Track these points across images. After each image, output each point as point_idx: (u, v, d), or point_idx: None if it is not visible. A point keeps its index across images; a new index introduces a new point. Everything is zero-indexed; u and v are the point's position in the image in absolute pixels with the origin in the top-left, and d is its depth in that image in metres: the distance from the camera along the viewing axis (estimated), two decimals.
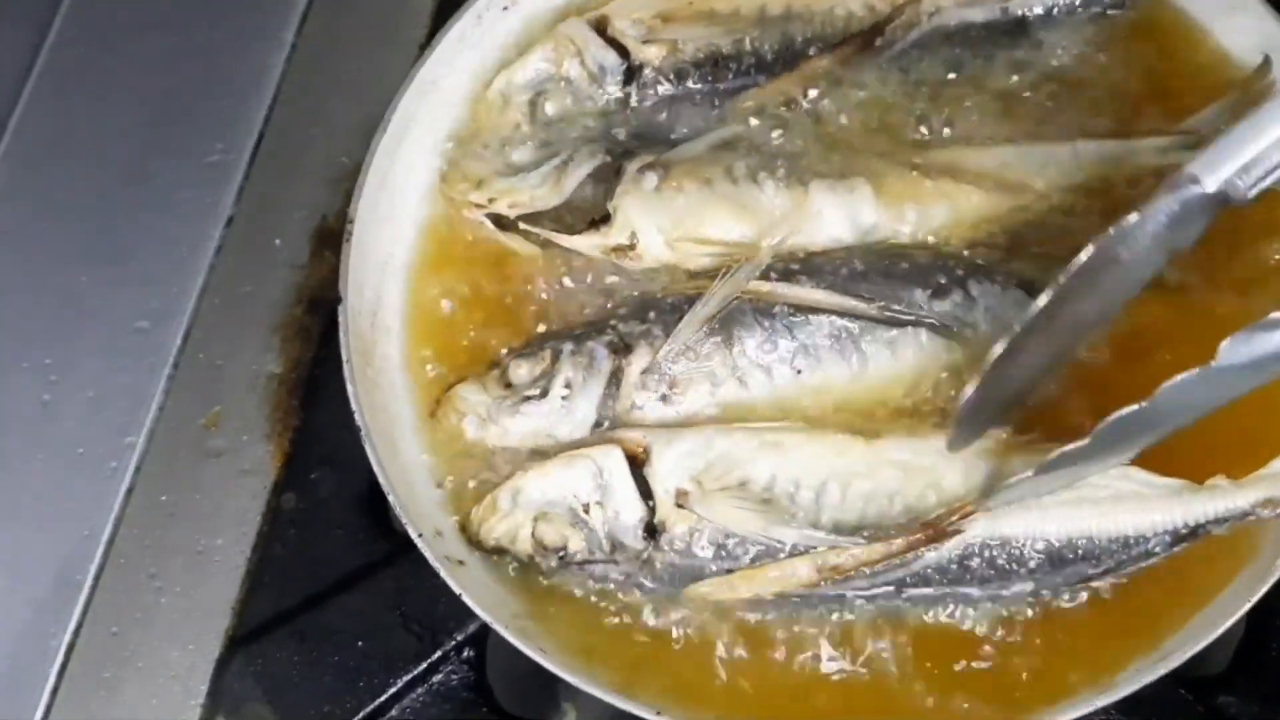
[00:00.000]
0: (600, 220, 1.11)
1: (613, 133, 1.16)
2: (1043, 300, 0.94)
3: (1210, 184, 0.92)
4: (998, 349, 0.95)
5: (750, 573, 1.00)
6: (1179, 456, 0.99)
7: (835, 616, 1.02)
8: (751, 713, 1.01)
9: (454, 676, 1.11)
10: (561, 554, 1.02)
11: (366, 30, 1.36)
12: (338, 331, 1.08)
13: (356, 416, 1.04)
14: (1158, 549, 1.00)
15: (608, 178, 1.12)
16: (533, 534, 1.02)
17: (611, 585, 1.03)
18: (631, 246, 1.10)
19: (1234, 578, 1.01)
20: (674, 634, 1.03)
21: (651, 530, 1.02)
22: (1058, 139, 1.13)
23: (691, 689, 1.01)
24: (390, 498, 1.02)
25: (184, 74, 1.34)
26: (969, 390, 0.97)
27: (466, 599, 0.99)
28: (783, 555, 1.00)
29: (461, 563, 1.03)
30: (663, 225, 1.10)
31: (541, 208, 1.12)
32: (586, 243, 1.11)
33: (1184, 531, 0.99)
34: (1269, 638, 1.08)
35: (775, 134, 1.15)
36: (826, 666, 1.02)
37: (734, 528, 1.00)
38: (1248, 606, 0.98)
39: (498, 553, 1.04)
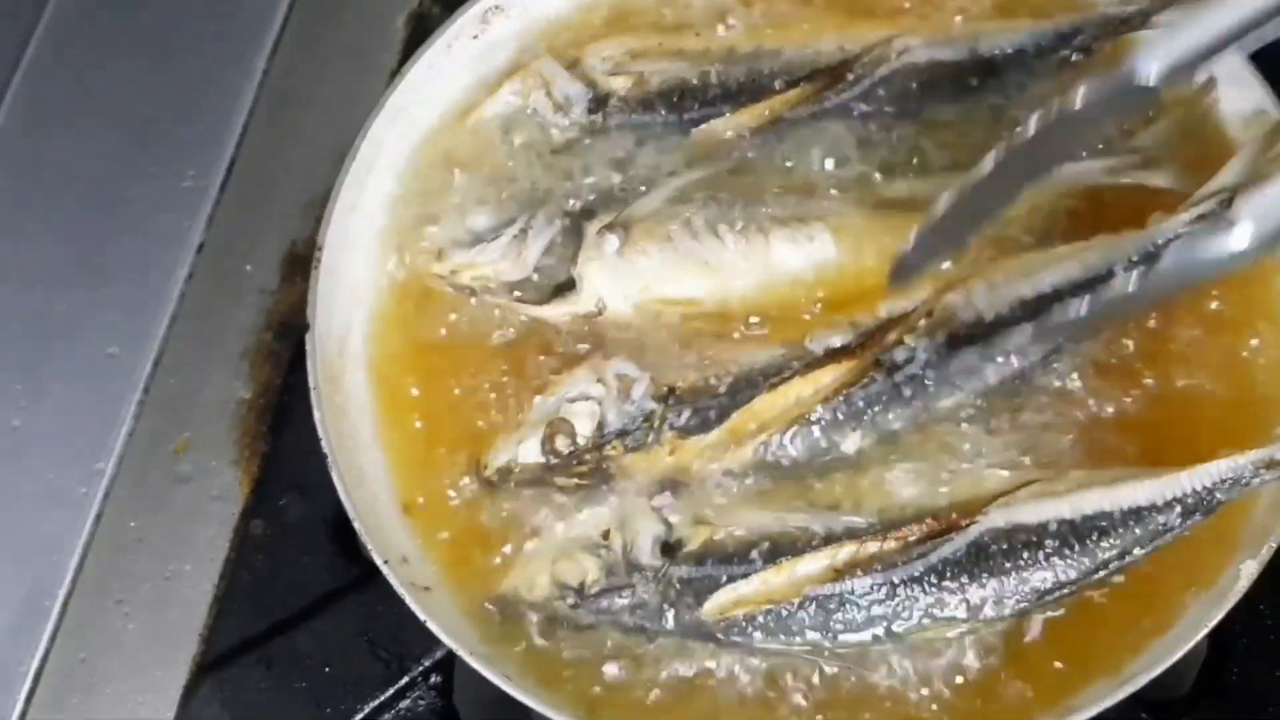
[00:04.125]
0: (565, 287, 1.11)
1: (569, 182, 1.16)
2: (989, 163, 0.97)
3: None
4: (944, 200, 0.98)
5: (767, 576, 1.00)
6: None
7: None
8: None
9: (421, 702, 1.12)
10: (579, 591, 1.02)
11: (338, 58, 1.37)
12: (306, 357, 1.09)
13: (323, 443, 1.05)
14: (1171, 523, 0.99)
15: (568, 241, 1.12)
16: (552, 575, 1.02)
17: (621, 631, 1.03)
18: (599, 312, 1.11)
19: (1194, 601, 1.01)
20: (643, 666, 1.03)
21: (668, 548, 1.02)
22: None
23: (655, 716, 1.01)
24: (356, 524, 1.02)
25: (156, 100, 1.35)
26: (914, 232, 1.00)
27: (431, 625, 0.99)
28: (799, 548, 1.00)
29: (427, 589, 1.03)
30: (629, 291, 1.11)
31: (505, 280, 1.12)
32: (554, 312, 1.12)
33: (1192, 499, 0.99)
34: (1231, 661, 1.09)
35: (732, 183, 1.14)
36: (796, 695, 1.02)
37: (751, 527, 1.01)
38: (1205, 631, 0.98)
39: (514, 605, 1.03)
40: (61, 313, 1.27)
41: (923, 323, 1.05)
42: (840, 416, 1.05)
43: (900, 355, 1.05)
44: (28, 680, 1.14)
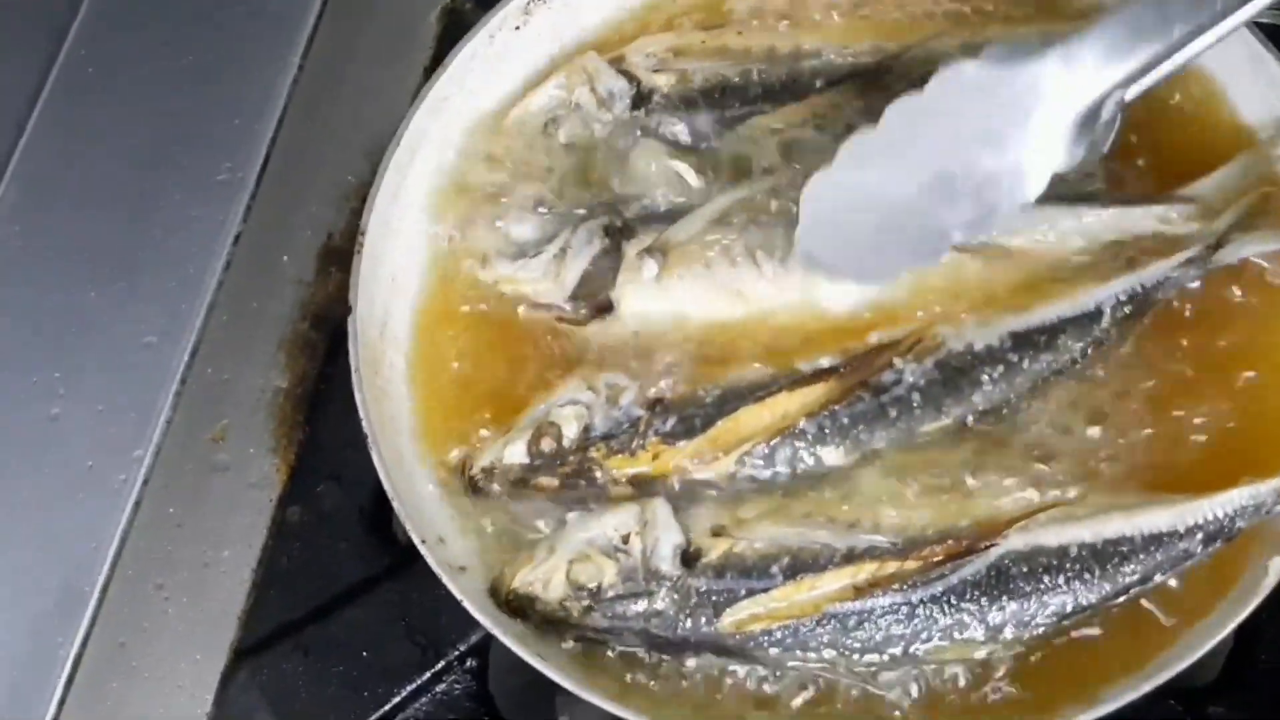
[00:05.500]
0: (604, 308, 1.13)
1: (609, 190, 1.17)
2: None
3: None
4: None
5: (786, 591, 1.01)
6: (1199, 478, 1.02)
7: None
8: None
9: (456, 686, 1.13)
10: (595, 594, 1.02)
11: (372, 52, 1.38)
12: (343, 347, 1.10)
13: (364, 424, 1.06)
14: (1193, 549, 1.00)
15: (608, 261, 1.13)
16: (567, 575, 1.03)
17: (634, 641, 1.03)
18: (635, 333, 1.12)
19: (1221, 596, 1.01)
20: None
21: (687, 558, 1.03)
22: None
23: (687, 699, 1.02)
24: (395, 504, 1.04)
25: (193, 95, 1.36)
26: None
27: (467, 604, 1.00)
28: (820, 564, 1.01)
29: (463, 569, 1.04)
30: (663, 315, 1.12)
31: (544, 301, 1.13)
32: (592, 332, 1.13)
33: (1213, 527, 1.00)
34: (1258, 649, 1.10)
35: (773, 204, 1.13)
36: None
37: (771, 542, 1.02)
38: (1232, 626, 0.99)
39: (526, 605, 1.04)
40: (99, 303, 1.28)
41: (913, 349, 1.07)
42: (824, 432, 1.06)
43: (888, 377, 1.06)
44: (67, 665, 1.15)
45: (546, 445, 1.06)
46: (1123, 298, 1.08)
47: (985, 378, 1.07)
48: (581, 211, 1.16)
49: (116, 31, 1.40)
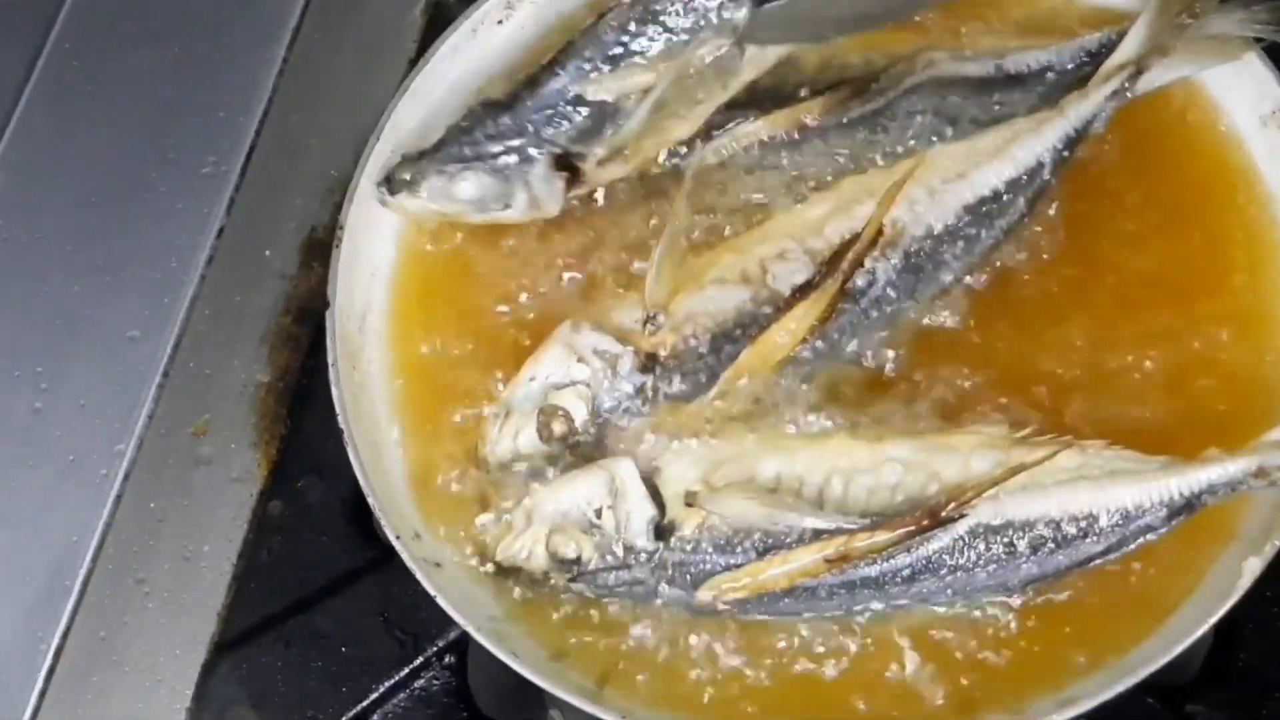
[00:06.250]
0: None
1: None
2: None
3: None
4: None
5: (759, 566, 1.01)
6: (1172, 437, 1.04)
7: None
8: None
9: (435, 682, 1.13)
10: (576, 564, 1.03)
11: (357, 46, 1.38)
12: (325, 342, 1.10)
13: (340, 419, 1.06)
14: (1156, 522, 1.01)
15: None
16: (547, 548, 1.03)
17: (621, 601, 1.04)
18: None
19: (1197, 596, 1.02)
20: (650, 643, 1.04)
21: (661, 531, 1.03)
22: None
23: (664, 697, 1.02)
24: (370, 500, 1.04)
25: (177, 87, 1.36)
26: None
27: (441, 600, 1.01)
28: (790, 541, 1.01)
29: (438, 564, 1.04)
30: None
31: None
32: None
33: (1179, 503, 1.01)
34: (1238, 647, 1.10)
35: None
36: (801, 668, 1.03)
37: (742, 519, 1.02)
38: (1207, 626, 0.99)
39: (512, 573, 1.05)
40: (82, 296, 1.28)
41: (878, 244, 1.08)
42: (819, 353, 1.08)
43: (861, 280, 1.08)
44: (48, 658, 1.15)
45: (559, 429, 1.06)
46: (1059, 144, 1.12)
47: (949, 255, 1.10)
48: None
49: (101, 24, 1.40)
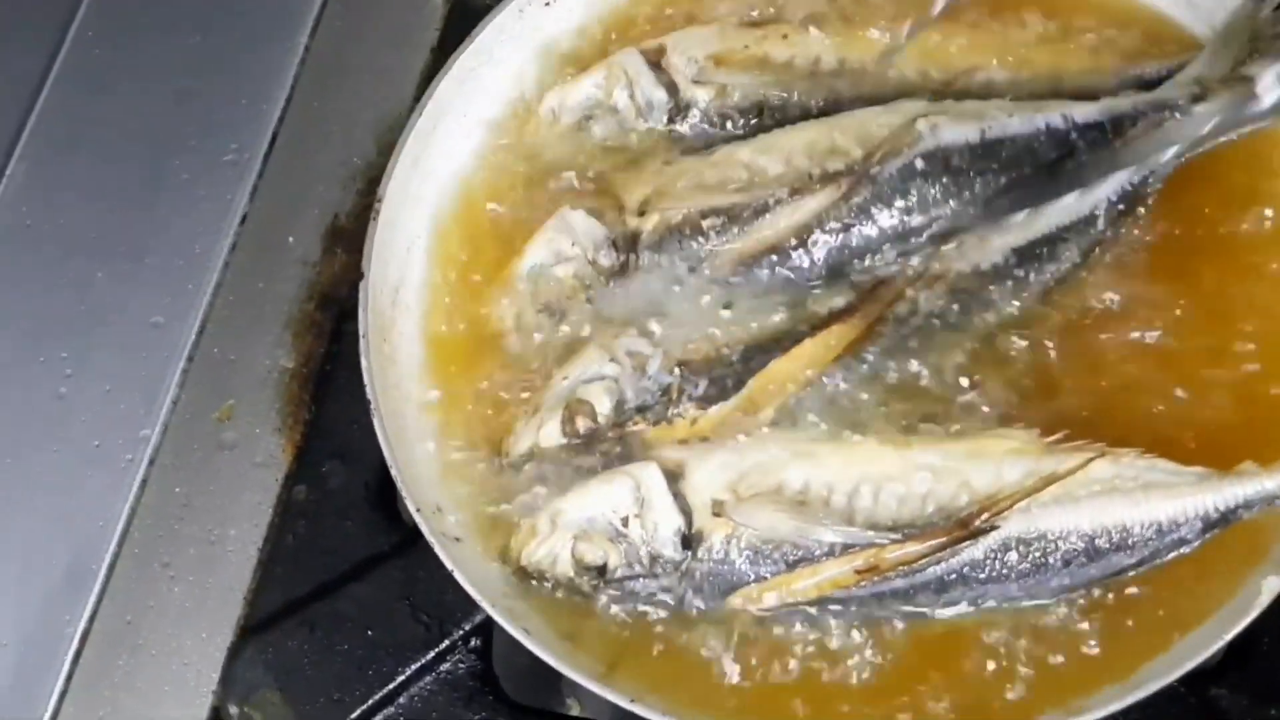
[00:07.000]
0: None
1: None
2: None
3: None
4: None
5: (788, 577, 1.01)
6: (1207, 448, 1.03)
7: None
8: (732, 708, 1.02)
9: (461, 665, 1.13)
10: (601, 571, 1.02)
11: (379, 33, 1.38)
12: (348, 328, 1.11)
13: (368, 390, 1.06)
14: (1190, 535, 1.01)
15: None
16: (572, 553, 1.03)
17: (652, 605, 1.04)
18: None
19: (1217, 609, 1.02)
20: (662, 629, 1.04)
21: (688, 541, 1.02)
22: None
23: (672, 681, 1.02)
24: (393, 472, 1.04)
25: (200, 75, 1.37)
26: None
27: (457, 575, 1.00)
28: (820, 554, 1.00)
29: (458, 539, 1.04)
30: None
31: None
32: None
33: (1215, 516, 1.00)
34: (1261, 631, 1.09)
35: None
36: (813, 666, 1.03)
37: (771, 531, 1.01)
38: (1224, 641, 0.99)
39: (538, 578, 1.04)
40: (107, 283, 1.29)
41: (922, 278, 1.08)
42: (853, 373, 1.07)
43: (903, 309, 1.08)
44: (74, 642, 1.16)
45: (582, 424, 1.06)
46: (1114, 197, 1.10)
47: (995, 295, 1.09)
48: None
49: (124, 12, 1.41)
